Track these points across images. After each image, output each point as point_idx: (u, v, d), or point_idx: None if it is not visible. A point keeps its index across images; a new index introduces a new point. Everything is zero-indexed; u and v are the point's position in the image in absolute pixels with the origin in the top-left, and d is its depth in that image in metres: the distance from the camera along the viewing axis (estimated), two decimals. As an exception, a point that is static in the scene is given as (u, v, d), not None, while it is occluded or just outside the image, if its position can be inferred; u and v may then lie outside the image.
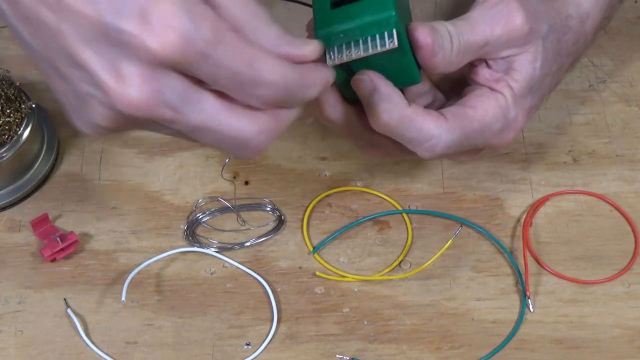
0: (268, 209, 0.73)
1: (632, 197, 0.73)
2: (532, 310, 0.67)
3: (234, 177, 0.75)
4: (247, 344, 0.66)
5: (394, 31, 0.56)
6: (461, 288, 0.69)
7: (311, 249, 0.70)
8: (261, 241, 0.71)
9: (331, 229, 0.72)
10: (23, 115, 0.72)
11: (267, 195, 0.73)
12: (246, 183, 0.74)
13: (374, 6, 0.57)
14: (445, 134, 0.60)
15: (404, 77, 0.61)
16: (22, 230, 0.72)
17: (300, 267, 0.70)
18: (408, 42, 0.59)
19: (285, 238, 0.72)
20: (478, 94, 0.63)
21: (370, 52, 0.57)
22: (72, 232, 0.70)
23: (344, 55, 0.57)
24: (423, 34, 0.58)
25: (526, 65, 0.62)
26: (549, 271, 0.69)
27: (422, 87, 0.64)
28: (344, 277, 0.69)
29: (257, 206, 0.73)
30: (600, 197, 0.73)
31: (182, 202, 0.74)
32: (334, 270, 0.70)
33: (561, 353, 0.66)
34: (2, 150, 0.71)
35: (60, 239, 0.69)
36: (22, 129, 0.72)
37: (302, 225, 0.72)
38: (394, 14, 0.56)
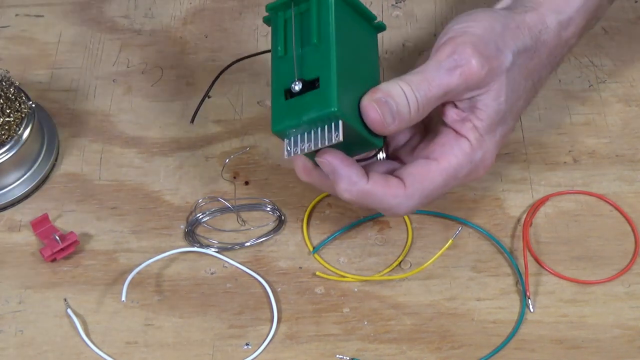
0: (268, 209, 0.73)
1: (632, 197, 0.73)
2: (532, 310, 0.67)
3: (234, 177, 0.75)
4: (247, 344, 0.66)
5: (340, 125, 0.59)
6: (461, 288, 0.69)
7: (311, 249, 0.70)
8: (261, 241, 0.71)
9: (331, 229, 0.72)
10: (23, 115, 0.72)
11: (267, 195, 0.73)
12: (246, 183, 0.74)
13: (320, 99, 0.60)
14: (404, 202, 0.63)
15: (365, 146, 0.64)
16: (22, 230, 0.72)
17: (300, 267, 0.70)
18: (360, 120, 0.61)
19: (285, 238, 0.72)
20: (442, 143, 0.64)
21: (320, 146, 0.60)
22: (72, 232, 0.70)
23: (299, 149, 0.61)
24: (372, 111, 0.60)
25: (490, 103, 0.63)
26: (549, 271, 0.69)
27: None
28: (343, 277, 0.69)
29: (257, 206, 0.73)
30: (600, 197, 0.73)
31: (182, 202, 0.73)
32: (334, 270, 0.70)
33: (561, 353, 0.66)
34: (2, 150, 0.71)
35: (60, 239, 0.69)
36: (22, 129, 0.72)
37: (302, 226, 0.72)
38: (335, 109, 0.59)
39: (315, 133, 0.60)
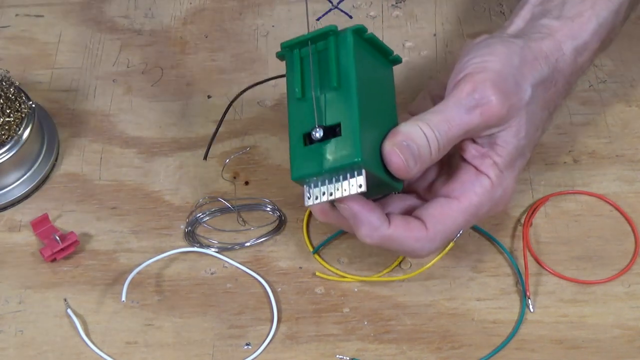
0: (268, 209, 0.73)
1: (632, 197, 0.73)
2: (532, 310, 0.67)
3: (234, 178, 0.75)
4: (247, 344, 0.66)
5: (363, 174, 0.58)
6: (461, 288, 0.69)
7: (311, 249, 0.70)
8: (261, 241, 0.71)
9: (331, 229, 0.71)
10: (23, 115, 0.72)
11: (267, 195, 0.73)
12: (246, 183, 0.74)
13: (342, 147, 0.58)
14: (427, 245, 0.62)
15: (386, 189, 0.63)
16: (22, 230, 0.72)
17: (300, 267, 0.70)
18: (382, 166, 0.60)
19: (285, 238, 0.72)
20: (463, 180, 0.63)
21: (342, 196, 0.59)
22: (72, 232, 0.70)
23: (320, 199, 0.60)
24: (395, 157, 0.59)
25: (510, 139, 0.62)
26: (549, 271, 0.69)
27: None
28: (343, 277, 0.69)
29: (257, 206, 0.73)
30: (600, 197, 0.73)
31: (182, 202, 0.73)
32: (334, 270, 0.70)
33: (561, 353, 0.65)
34: (2, 150, 0.71)
35: (60, 239, 0.69)
36: (22, 129, 0.72)
37: (302, 226, 0.72)
38: (359, 160, 0.58)
39: (337, 181, 0.59)
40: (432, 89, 0.68)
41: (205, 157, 0.73)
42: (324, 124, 0.59)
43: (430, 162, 0.61)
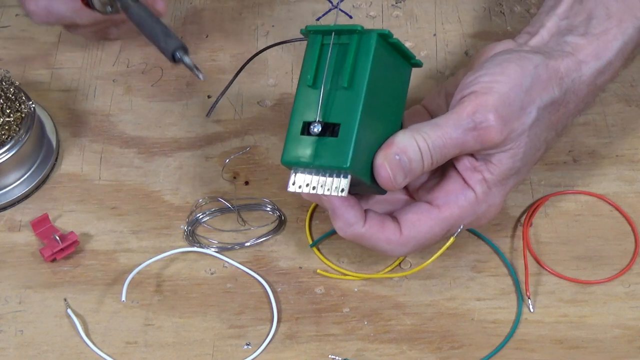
0: (268, 209, 0.73)
1: (632, 197, 0.73)
2: (532, 310, 0.67)
3: (234, 177, 0.75)
4: (247, 344, 0.66)
5: (348, 179, 0.59)
6: (461, 288, 0.69)
7: (311, 241, 0.70)
8: (261, 241, 0.71)
9: (331, 228, 0.71)
10: (23, 116, 0.72)
11: (267, 195, 0.73)
12: (246, 183, 0.74)
13: (336, 150, 0.59)
14: (397, 248, 0.64)
15: (370, 191, 0.64)
16: (22, 230, 0.72)
17: (300, 267, 0.70)
18: (371, 171, 0.61)
19: (285, 238, 0.72)
20: (448, 190, 0.63)
21: (323, 193, 0.60)
22: (72, 232, 0.70)
23: (302, 188, 0.60)
24: (383, 171, 0.60)
25: (505, 160, 0.62)
26: (549, 271, 0.69)
27: None
28: (344, 275, 0.69)
29: (257, 206, 0.73)
30: (600, 197, 0.73)
31: (182, 202, 0.73)
32: (334, 267, 0.70)
33: (561, 353, 0.65)
34: (2, 150, 0.71)
35: (60, 239, 0.69)
36: (22, 129, 0.72)
37: (304, 225, 0.72)
38: (347, 167, 0.59)
39: (322, 177, 0.60)
40: (449, 87, 0.68)
41: (208, 114, 0.72)
42: (325, 120, 0.60)
43: (422, 174, 0.62)
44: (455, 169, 0.64)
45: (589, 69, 0.64)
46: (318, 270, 0.69)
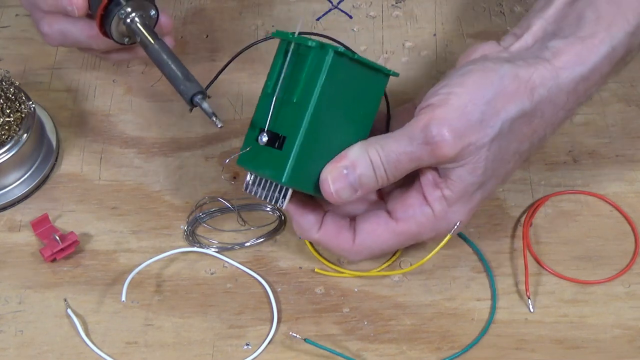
0: (268, 209, 0.73)
1: (632, 197, 0.73)
2: (532, 310, 0.67)
3: (234, 177, 0.75)
4: (247, 344, 0.66)
5: (289, 194, 0.61)
6: (461, 288, 0.69)
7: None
8: (261, 241, 0.71)
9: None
10: (23, 116, 0.72)
11: (267, 195, 0.73)
12: (246, 183, 0.74)
13: (277, 163, 0.60)
14: (351, 255, 0.65)
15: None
16: (22, 230, 0.72)
17: (300, 267, 0.70)
18: (317, 185, 0.62)
19: (285, 238, 0.72)
20: (408, 204, 0.63)
21: (267, 201, 0.62)
22: (72, 232, 0.70)
23: (253, 192, 0.63)
24: (325, 186, 0.61)
25: (464, 176, 0.61)
26: (549, 271, 0.69)
27: None
28: (341, 272, 0.69)
29: (257, 206, 0.73)
30: (600, 197, 0.73)
31: (182, 202, 0.73)
32: (331, 266, 0.69)
33: (561, 353, 0.65)
34: (2, 150, 0.71)
35: (60, 239, 0.69)
36: (22, 129, 0.72)
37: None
38: (283, 182, 0.60)
39: (270, 186, 0.62)
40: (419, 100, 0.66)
41: (205, 88, 0.71)
42: (273, 130, 0.61)
43: (377, 187, 0.62)
44: (419, 180, 0.63)
45: (569, 75, 0.62)
46: (316, 269, 0.69)
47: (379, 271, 0.69)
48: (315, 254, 0.70)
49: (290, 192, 0.61)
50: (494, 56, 0.63)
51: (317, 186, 0.61)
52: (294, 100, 0.60)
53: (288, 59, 0.61)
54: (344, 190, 0.61)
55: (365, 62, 0.62)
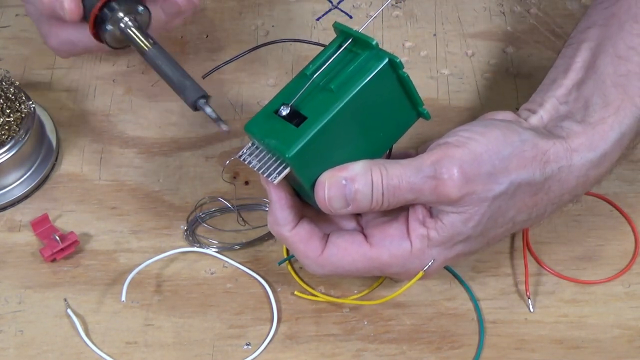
0: (268, 209, 0.73)
1: (632, 197, 0.73)
2: (532, 310, 0.67)
3: (234, 178, 0.75)
4: (247, 344, 0.66)
5: (285, 171, 0.59)
6: (461, 288, 0.69)
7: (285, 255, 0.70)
8: (261, 241, 0.71)
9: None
10: (23, 116, 0.72)
11: (267, 195, 0.73)
12: (246, 183, 0.74)
13: (289, 137, 0.59)
14: (313, 266, 0.63)
15: (312, 203, 0.62)
16: (22, 230, 0.72)
17: (300, 268, 0.70)
18: (314, 182, 0.60)
19: (285, 238, 0.72)
20: (387, 233, 0.61)
21: (260, 173, 0.60)
22: (72, 232, 0.70)
23: (247, 161, 0.61)
24: (320, 190, 0.60)
25: (456, 224, 0.60)
26: (549, 271, 0.69)
27: None
28: (316, 297, 0.68)
29: (257, 206, 0.73)
30: (600, 197, 0.73)
31: (182, 202, 0.74)
32: (309, 289, 0.68)
33: (561, 353, 0.66)
34: (2, 150, 0.71)
35: (60, 239, 0.69)
36: (22, 129, 0.72)
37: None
38: (288, 156, 0.58)
39: (269, 158, 0.60)
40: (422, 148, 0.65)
41: (204, 77, 0.70)
42: (296, 108, 0.60)
43: (370, 209, 0.60)
44: (406, 216, 0.62)
45: (581, 159, 0.61)
46: (296, 292, 0.68)
47: (353, 300, 0.68)
48: (295, 276, 0.69)
49: (287, 170, 0.59)
50: (517, 121, 0.63)
51: (312, 184, 0.61)
52: (332, 87, 0.59)
53: (340, 50, 0.60)
54: (337, 199, 0.59)
55: (409, 84, 0.61)
